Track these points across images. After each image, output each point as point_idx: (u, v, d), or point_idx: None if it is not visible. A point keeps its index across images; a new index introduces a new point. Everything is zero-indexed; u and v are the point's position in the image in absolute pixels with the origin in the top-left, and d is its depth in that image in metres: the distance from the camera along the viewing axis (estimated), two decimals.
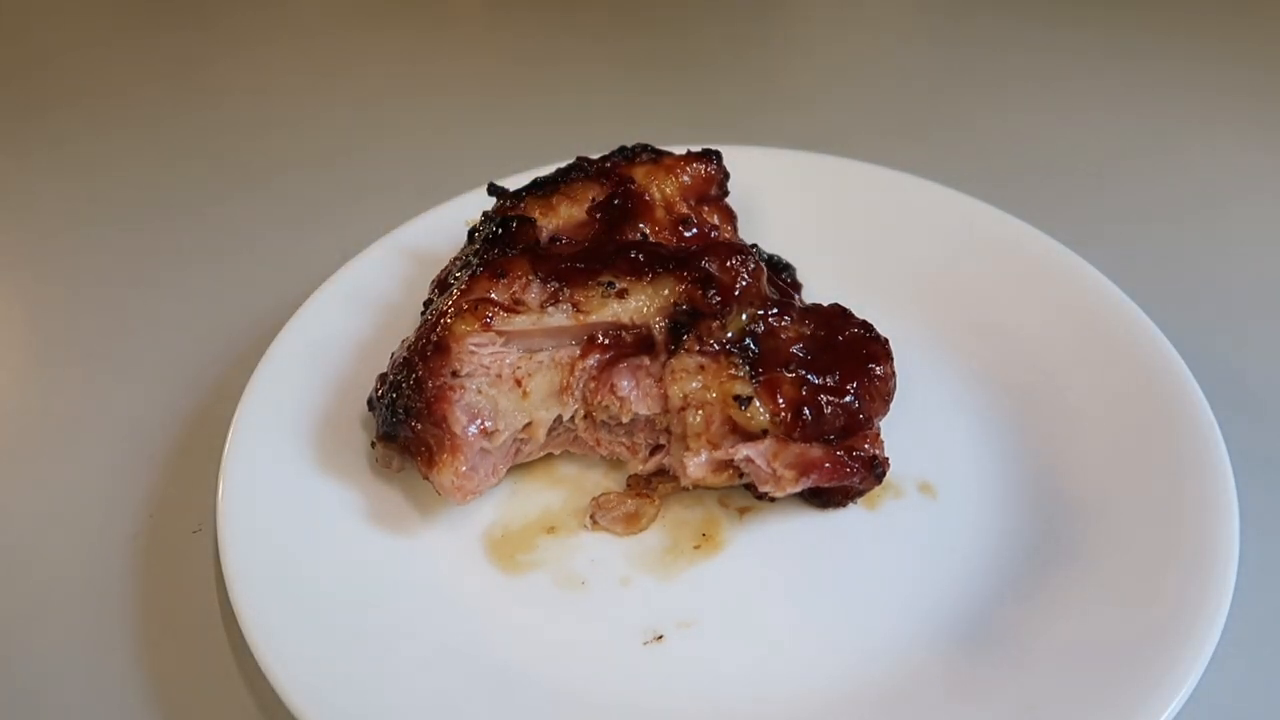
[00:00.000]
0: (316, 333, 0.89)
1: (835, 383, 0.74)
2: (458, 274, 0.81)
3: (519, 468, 0.81)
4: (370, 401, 0.80)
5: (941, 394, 0.87)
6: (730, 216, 0.90)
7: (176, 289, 1.09)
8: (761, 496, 0.75)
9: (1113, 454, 0.77)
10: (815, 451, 0.73)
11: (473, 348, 0.75)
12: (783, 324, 0.77)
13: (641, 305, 0.77)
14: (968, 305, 0.93)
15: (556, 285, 0.77)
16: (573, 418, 0.78)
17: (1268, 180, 1.19)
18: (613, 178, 0.85)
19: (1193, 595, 0.65)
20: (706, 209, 0.88)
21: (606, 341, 0.77)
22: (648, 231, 0.83)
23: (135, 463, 0.88)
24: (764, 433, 0.72)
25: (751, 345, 0.76)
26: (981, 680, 0.65)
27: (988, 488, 0.79)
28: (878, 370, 0.75)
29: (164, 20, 1.73)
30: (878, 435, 0.75)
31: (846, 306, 0.79)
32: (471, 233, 0.87)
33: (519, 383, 0.76)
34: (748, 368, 0.75)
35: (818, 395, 0.73)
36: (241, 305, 1.04)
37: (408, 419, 0.74)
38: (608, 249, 0.79)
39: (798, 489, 0.73)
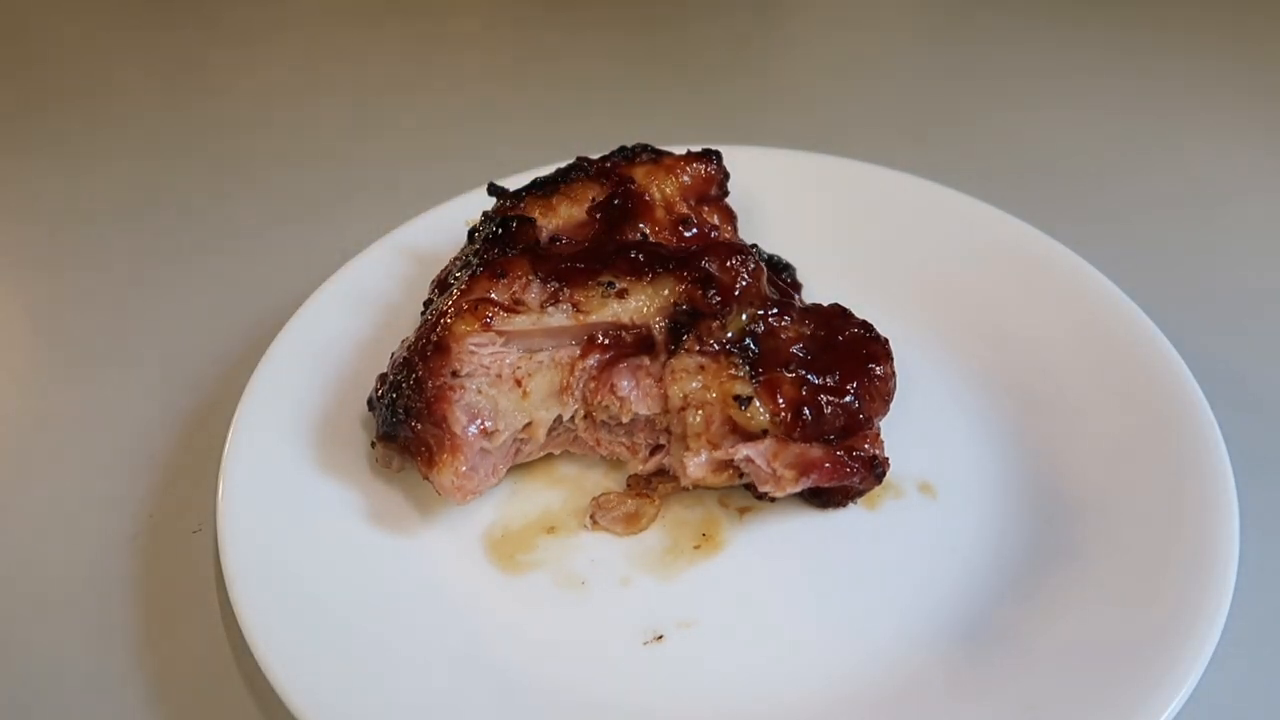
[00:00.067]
0: (316, 333, 0.89)
1: (835, 383, 0.74)
2: (458, 274, 0.81)
3: (519, 468, 0.81)
4: (370, 401, 0.80)
5: (941, 394, 0.87)
6: (730, 216, 0.90)
7: (176, 288, 1.09)
8: (761, 496, 0.75)
9: (1113, 454, 0.77)
10: (815, 451, 0.73)
11: (473, 348, 0.75)
12: (783, 324, 0.77)
13: (641, 305, 0.77)
14: (968, 305, 0.93)
15: (556, 285, 0.77)
16: (573, 418, 0.78)
17: (1268, 180, 1.19)
18: (613, 178, 0.85)
19: (1193, 595, 0.65)
20: (706, 209, 0.88)
21: (606, 341, 0.77)
22: (648, 231, 0.83)
23: (135, 463, 0.88)
24: (764, 433, 0.72)
25: (751, 345, 0.76)
26: (981, 680, 0.65)
27: (988, 488, 0.79)
28: (878, 370, 0.75)
29: (164, 19, 1.72)
30: (878, 435, 0.75)
31: (846, 306, 0.79)
32: (471, 233, 0.87)
33: (519, 383, 0.76)
34: (748, 368, 0.75)
35: (818, 395, 0.73)
36: (241, 305, 1.04)
37: (408, 419, 0.74)
38: (608, 249, 0.79)
39: (798, 489, 0.73)
